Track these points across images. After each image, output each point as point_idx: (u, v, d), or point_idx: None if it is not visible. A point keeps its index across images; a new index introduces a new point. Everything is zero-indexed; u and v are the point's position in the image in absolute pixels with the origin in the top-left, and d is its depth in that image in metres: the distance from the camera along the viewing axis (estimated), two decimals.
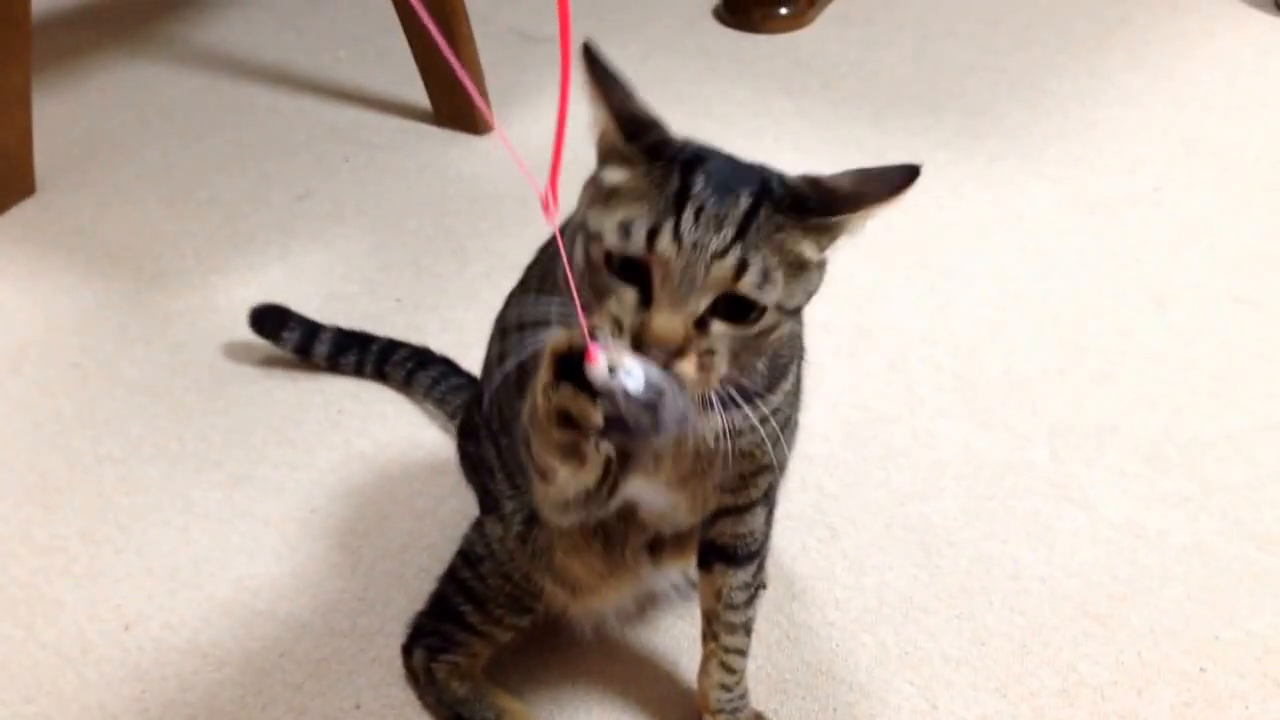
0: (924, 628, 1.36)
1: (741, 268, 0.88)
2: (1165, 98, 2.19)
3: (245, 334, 1.70)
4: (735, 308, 0.90)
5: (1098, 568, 1.42)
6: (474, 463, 1.30)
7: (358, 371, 1.69)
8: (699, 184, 0.90)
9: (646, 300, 0.89)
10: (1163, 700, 1.28)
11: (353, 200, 2.05)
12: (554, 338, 0.90)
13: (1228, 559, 1.42)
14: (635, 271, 0.89)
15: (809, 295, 0.95)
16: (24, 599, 1.41)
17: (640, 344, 0.88)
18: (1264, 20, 2.37)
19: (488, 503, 1.26)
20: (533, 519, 1.21)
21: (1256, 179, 2.00)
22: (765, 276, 0.89)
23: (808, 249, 0.94)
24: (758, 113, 2.22)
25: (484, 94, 2.19)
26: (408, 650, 1.30)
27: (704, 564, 1.21)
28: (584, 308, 0.89)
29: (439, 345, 1.71)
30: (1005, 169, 2.05)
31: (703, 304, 0.88)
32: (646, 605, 1.36)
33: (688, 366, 0.88)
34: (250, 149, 2.19)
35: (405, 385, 1.65)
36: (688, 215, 0.88)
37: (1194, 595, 1.39)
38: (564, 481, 1.00)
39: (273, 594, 1.41)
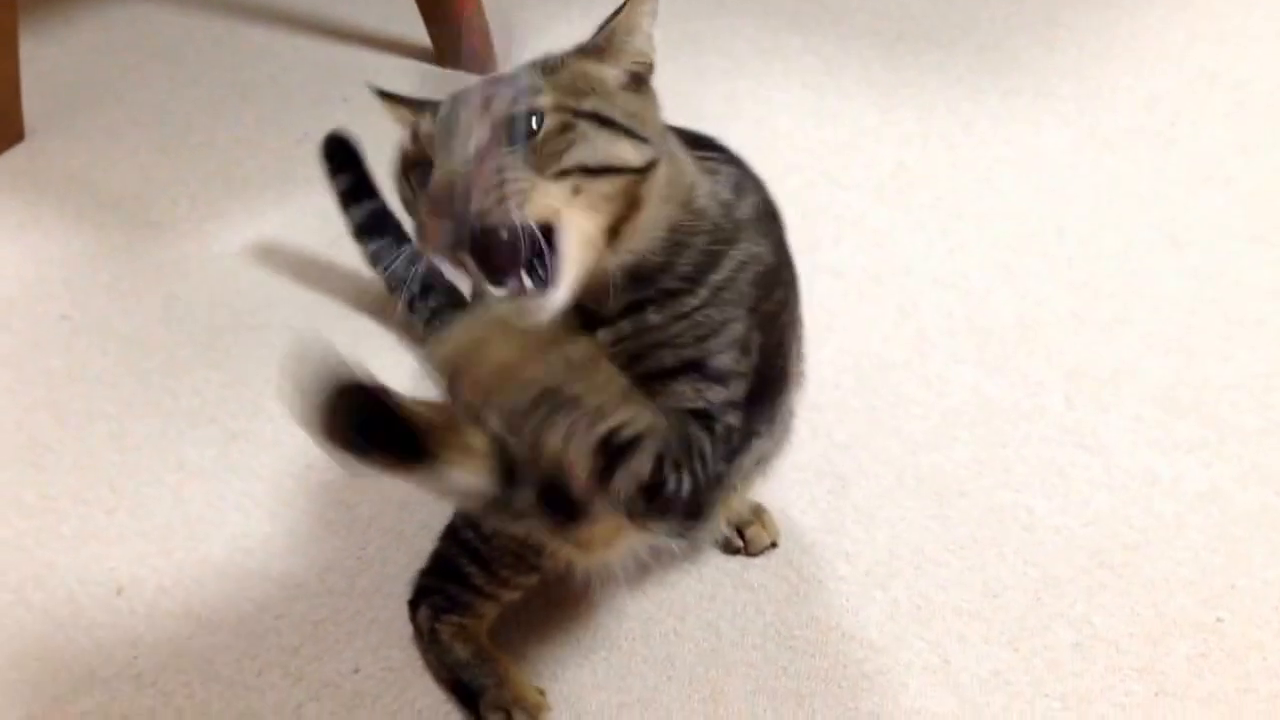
0: (935, 580, 1.34)
1: (488, 99, 0.92)
2: (1181, 31, 2.15)
3: (241, 284, 1.69)
4: (514, 133, 0.91)
5: (1112, 516, 1.39)
6: None
7: (373, 263, 1.61)
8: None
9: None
10: (1178, 652, 1.25)
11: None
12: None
13: (1244, 506, 1.39)
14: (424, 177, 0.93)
15: (623, 107, 0.97)
16: (13, 561, 1.39)
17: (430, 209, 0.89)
18: None
19: None
20: None
21: (1274, 114, 1.95)
22: (527, 92, 0.93)
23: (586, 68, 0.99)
24: (765, 49, 2.18)
25: (487, 33, 2.14)
26: (414, 605, 1.28)
27: None
28: None
29: None
30: (1019, 105, 2.00)
31: (471, 146, 0.90)
32: (652, 561, 1.33)
33: (487, 197, 0.88)
34: (246, 91, 2.15)
35: (409, 309, 1.58)
36: (445, 106, 0.95)
37: (1210, 544, 1.36)
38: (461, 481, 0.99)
39: (267, 553, 1.39)
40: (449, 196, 0.88)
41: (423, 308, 1.56)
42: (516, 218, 0.88)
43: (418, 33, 2.20)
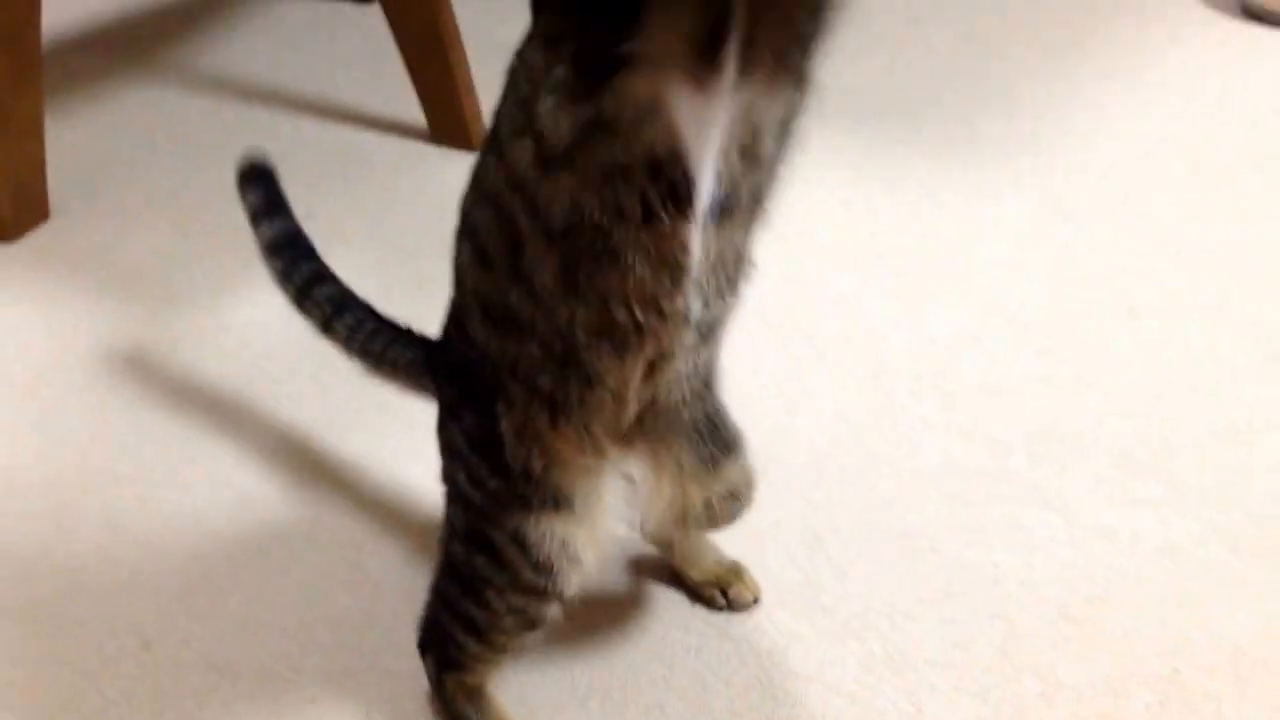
0: (908, 633, 1.41)
1: None
2: (1135, 105, 2.24)
3: (254, 354, 1.76)
4: None
5: (1075, 571, 1.47)
6: (452, 366, 1.29)
7: (282, 284, 1.55)
8: None
9: None
10: (1138, 700, 1.33)
11: (354, 219, 2.11)
12: None
13: (1199, 561, 1.48)
14: None
15: None
16: (46, 617, 1.46)
17: None
18: (1229, 25, 2.41)
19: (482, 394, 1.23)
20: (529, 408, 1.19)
21: (1224, 184, 2.05)
22: None
23: None
24: None
25: (479, 112, 2.24)
26: (422, 649, 1.33)
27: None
28: None
29: None
30: (982, 177, 2.10)
31: None
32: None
33: None
34: None
35: (325, 330, 1.51)
36: None
37: (1167, 597, 1.44)
38: None
39: (283, 608, 1.47)
40: None
41: (340, 326, 1.50)
42: None
43: (414, 113, 2.30)
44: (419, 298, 1.89)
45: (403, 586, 1.48)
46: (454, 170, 2.19)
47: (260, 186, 1.60)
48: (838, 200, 2.06)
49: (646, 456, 1.24)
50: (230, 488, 1.62)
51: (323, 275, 1.54)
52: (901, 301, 1.87)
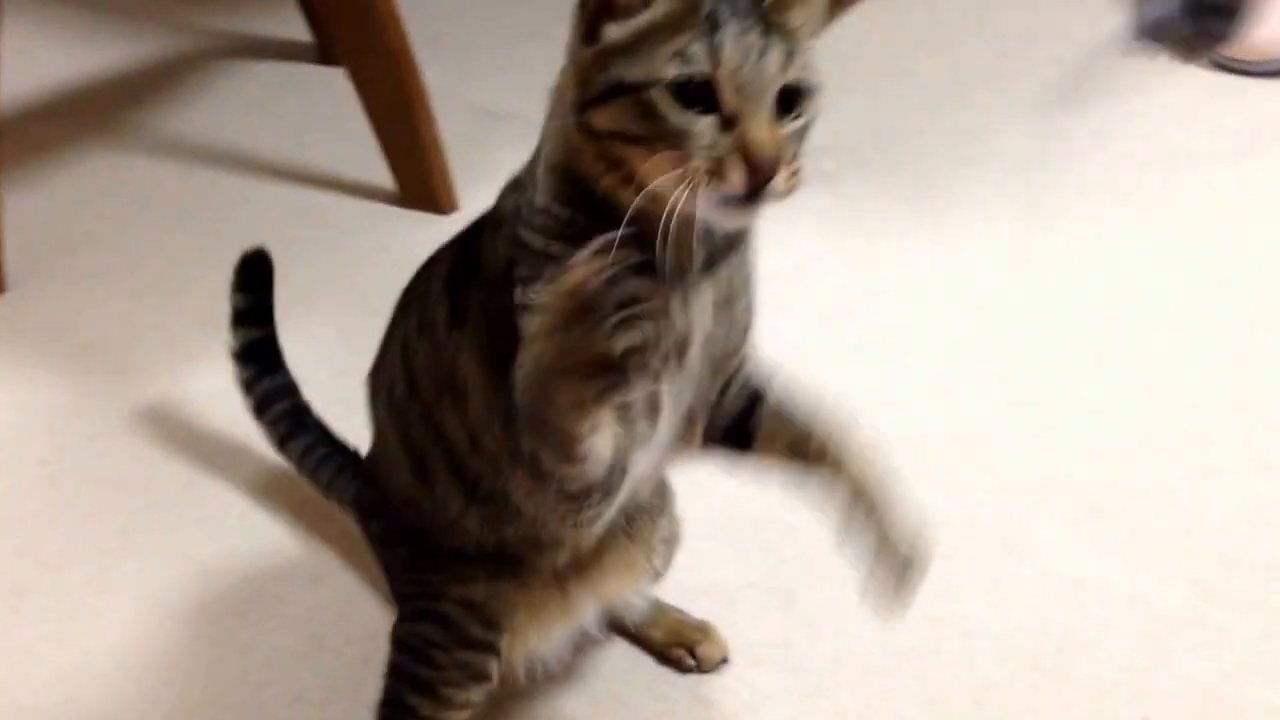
0: (879, 689, 1.40)
1: (786, 57, 0.89)
2: (1103, 154, 2.24)
3: (215, 425, 1.75)
4: (785, 104, 0.90)
5: (1045, 621, 1.46)
6: (402, 536, 1.32)
7: (245, 393, 1.60)
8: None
9: (725, 122, 0.88)
10: None
11: (321, 284, 2.10)
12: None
13: (1167, 607, 1.47)
14: (699, 99, 0.88)
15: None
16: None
17: (744, 165, 0.87)
18: (1194, 73, 2.42)
19: (426, 568, 1.27)
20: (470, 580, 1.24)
21: (1190, 233, 2.05)
22: (800, 58, 0.90)
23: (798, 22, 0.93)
24: None
25: (448, 175, 2.24)
26: None
27: (745, 437, 1.17)
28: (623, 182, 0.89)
29: None
30: (952, 227, 2.09)
31: (771, 102, 0.88)
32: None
33: (783, 179, 0.89)
34: (220, 236, 2.23)
35: (280, 448, 1.58)
36: (728, 24, 0.88)
37: (1136, 644, 1.43)
38: (601, 444, 0.99)
39: (243, 687, 1.45)
40: (766, 162, 0.87)
41: (294, 447, 1.57)
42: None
43: (382, 175, 2.29)
44: None
45: (363, 658, 1.46)
46: (422, 233, 2.19)
47: (252, 290, 1.62)
48: (808, 252, 2.05)
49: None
50: (188, 562, 1.61)
51: (284, 390, 1.61)
52: (873, 354, 1.86)
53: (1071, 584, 1.50)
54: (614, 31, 0.92)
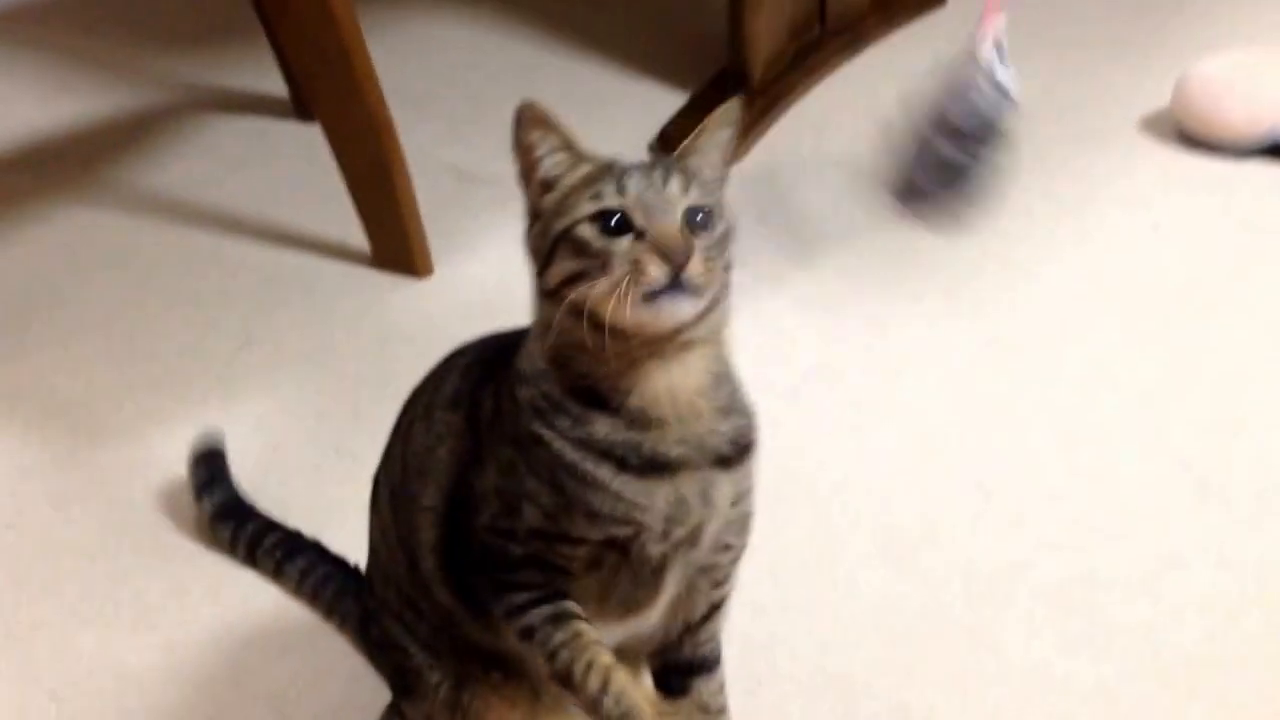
0: None
1: (685, 186, 1.06)
2: (1076, 236, 2.26)
3: (182, 489, 1.74)
4: (693, 223, 1.05)
5: (1007, 711, 1.47)
6: (382, 645, 1.34)
7: (231, 549, 1.69)
8: (625, 163, 1.09)
9: (639, 237, 1.03)
10: None
11: (293, 346, 2.10)
12: None
13: (1130, 699, 1.48)
14: (618, 229, 1.03)
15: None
16: None
17: (656, 255, 1.01)
18: (1167, 153, 2.44)
19: (405, 683, 1.30)
20: (461, 682, 1.26)
21: (1161, 313, 2.06)
22: (699, 190, 1.07)
23: (701, 172, 1.12)
24: None
25: (423, 238, 2.25)
26: None
27: (679, 689, 1.29)
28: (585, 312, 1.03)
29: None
30: (925, 308, 2.10)
31: (678, 214, 1.04)
32: None
33: (696, 264, 1.01)
34: (192, 296, 2.23)
35: (276, 575, 1.66)
36: (633, 171, 1.06)
37: None
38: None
39: None
40: (676, 249, 1.01)
41: (291, 570, 1.64)
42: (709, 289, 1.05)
43: (356, 237, 2.29)
44: (356, 425, 1.90)
45: None
46: (398, 297, 2.21)
47: (207, 463, 1.75)
48: (779, 330, 2.06)
49: None
50: (153, 631, 1.60)
51: (267, 527, 1.68)
52: (843, 435, 1.87)
53: (1035, 675, 1.51)
54: (549, 200, 1.10)
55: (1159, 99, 2.51)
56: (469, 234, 2.33)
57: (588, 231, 1.04)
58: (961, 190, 1.08)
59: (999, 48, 1.06)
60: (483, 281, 2.22)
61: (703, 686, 1.30)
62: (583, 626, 1.16)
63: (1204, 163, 2.42)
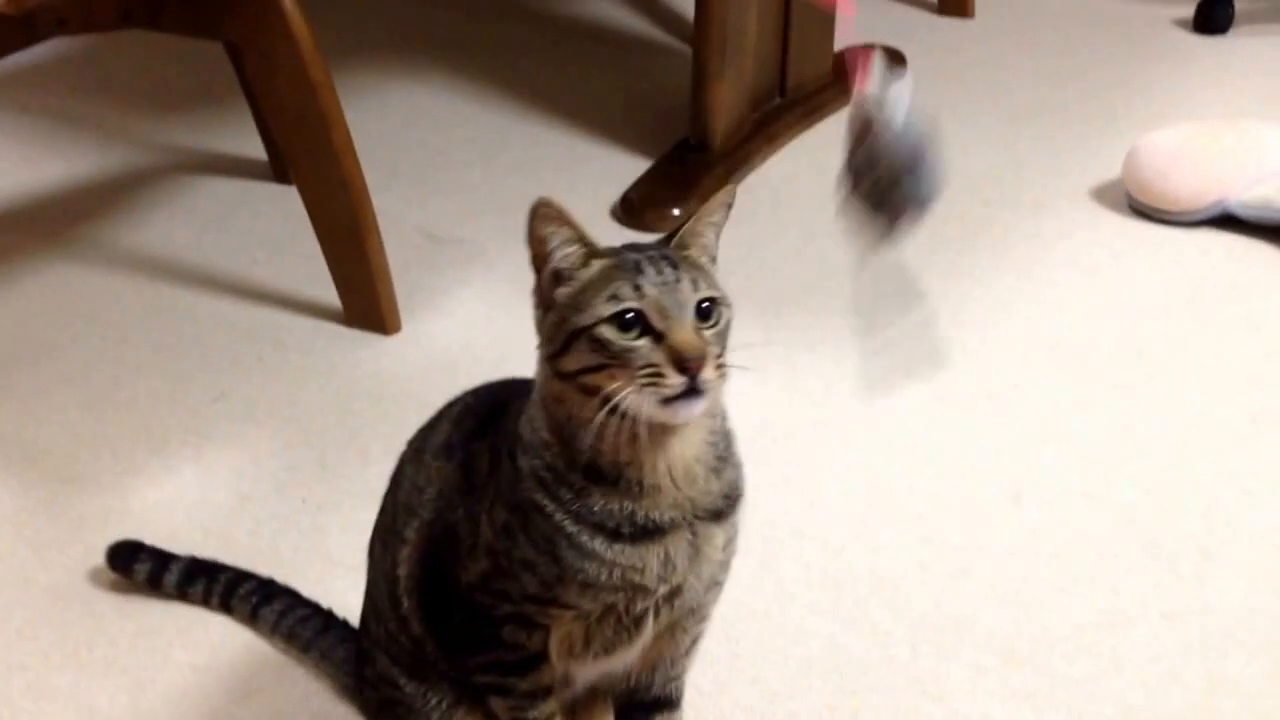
0: None
1: (694, 283, 1.11)
2: (1025, 297, 2.33)
3: (156, 536, 1.78)
4: (701, 315, 1.11)
5: None
6: (374, 682, 1.39)
7: (205, 602, 1.72)
8: (634, 254, 1.14)
9: (656, 338, 1.09)
10: None
11: (265, 401, 2.15)
12: None
13: None
14: (636, 327, 1.09)
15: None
16: None
17: (675, 366, 1.07)
18: (1117, 221, 2.52)
19: (395, 715, 1.35)
20: (454, 705, 1.32)
21: (1108, 377, 2.13)
22: (705, 283, 1.13)
23: (699, 258, 1.19)
24: None
25: (393, 298, 2.31)
26: None
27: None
28: (601, 396, 1.10)
29: (339, 546, 1.81)
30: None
31: (690, 316, 1.10)
32: None
33: (710, 370, 1.09)
34: (169, 351, 2.28)
35: (251, 620, 1.69)
36: (647, 268, 1.11)
37: None
38: None
39: None
40: (693, 358, 1.07)
41: (268, 613, 1.67)
42: (718, 387, 1.12)
43: (329, 295, 2.35)
44: (324, 479, 1.95)
45: None
46: (366, 353, 2.26)
47: (138, 555, 1.75)
48: (732, 385, 2.09)
49: None
50: (125, 675, 1.64)
51: (242, 576, 1.72)
52: (794, 490, 1.92)
53: None
54: (563, 294, 1.14)
55: (1110, 169, 2.60)
56: (436, 293, 2.39)
57: (608, 332, 1.09)
58: (922, 205, 1.16)
59: (882, 75, 1.13)
60: (448, 339, 2.28)
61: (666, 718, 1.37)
62: (555, 707, 1.29)
63: (1153, 231, 2.50)
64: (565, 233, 1.14)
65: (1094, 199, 2.59)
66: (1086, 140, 2.81)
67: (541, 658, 1.25)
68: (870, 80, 1.14)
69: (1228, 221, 2.48)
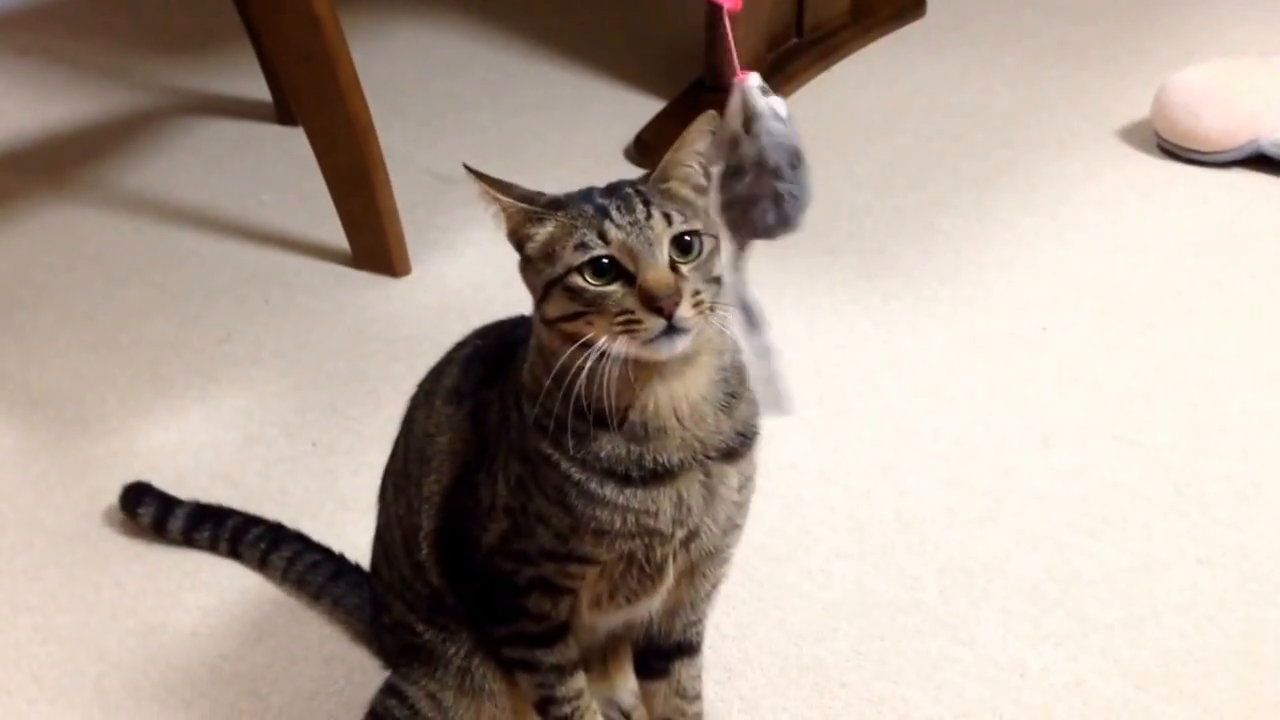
0: None
1: (667, 217, 1.07)
2: (1052, 238, 2.28)
3: (164, 479, 1.75)
4: (681, 248, 1.07)
5: (983, 707, 1.47)
6: (391, 627, 1.35)
7: (212, 548, 1.69)
8: (601, 197, 1.10)
9: (629, 281, 1.05)
10: None
11: (272, 343, 2.11)
12: None
13: (1106, 697, 1.48)
14: (608, 272, 1.06)
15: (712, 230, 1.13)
16: None
17: (648, 308, 1.03)
18: (1144, 161, 2.46)
19: (414, 659, 1.31)
20: (473, 652, 1.28)
21: (1138, 319, 2.08)
22: (681, 214, 1.07)
23: (681, 190, 1.13)
24: None
25: (401, 238, 2.26)
26: None
27: (659, 671, 1.33)
28: (581, 343, 1.06)
29: (350, 488, 1.77)
30: (899, 308, 2.12)
31: (664, 253, 1.06)
32: None
33: (687, 308, 1.04)
34: (174, 292, 2.24)
35: (261, 566, 1.66)
36: (613, 212, 1.07)
37: None
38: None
39: None
40: (665, 297, 1.03)
41: (277, 559, 1.65)
42: (699, 323, 1.07)
43: (336, 237, 2.31)
44: (334, 422, 1.91)
45: (305, 719, 1.46)
46: (375, 295, 2.21)
47: (147, 499, 1.73)
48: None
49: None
50: (134, 618, 1.61)
51: (250, 521, 1.69)
52: (817, 432, 1.88)
53: (1010, 670, 1.52)
54: (532, 248, 1.11)
55: (1138, 108, 2.54)
56: (445, 234, 2.34)
57: (579, 281, 1.06)
58: (796, 211, 1.14)
59: (762, 89, 1.12)
60: (459, 280, 2.24)
61: (683, 670, 1.33)
62: (583, 683, 1.26)
63: (1183, 171, 2.43)
64: (503, 201, 1.10)
65: (1122, 139, 2.54)
66: (1114, 79, 2.75)
67: (566, 629, 1.23)
68: (752, 90, 1.12)
69: (1260, 161, 2.41)
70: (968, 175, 2.45)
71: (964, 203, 2.38)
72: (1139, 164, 2.47)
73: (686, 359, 1.09)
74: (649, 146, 2.58)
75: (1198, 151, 2.43)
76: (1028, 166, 2.46)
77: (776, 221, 1.17)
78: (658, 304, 1.03)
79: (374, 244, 2.27)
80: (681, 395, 1.11)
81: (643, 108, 2.73)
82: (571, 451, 1.10)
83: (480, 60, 3.03)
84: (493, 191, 1.09)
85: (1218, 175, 2.41)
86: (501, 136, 2.67)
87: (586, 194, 1.12)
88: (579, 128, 2.65)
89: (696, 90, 2.74)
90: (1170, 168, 2.45)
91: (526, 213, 1.10)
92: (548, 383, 1.10)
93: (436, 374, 1.32)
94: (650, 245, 1.05)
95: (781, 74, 2.77)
